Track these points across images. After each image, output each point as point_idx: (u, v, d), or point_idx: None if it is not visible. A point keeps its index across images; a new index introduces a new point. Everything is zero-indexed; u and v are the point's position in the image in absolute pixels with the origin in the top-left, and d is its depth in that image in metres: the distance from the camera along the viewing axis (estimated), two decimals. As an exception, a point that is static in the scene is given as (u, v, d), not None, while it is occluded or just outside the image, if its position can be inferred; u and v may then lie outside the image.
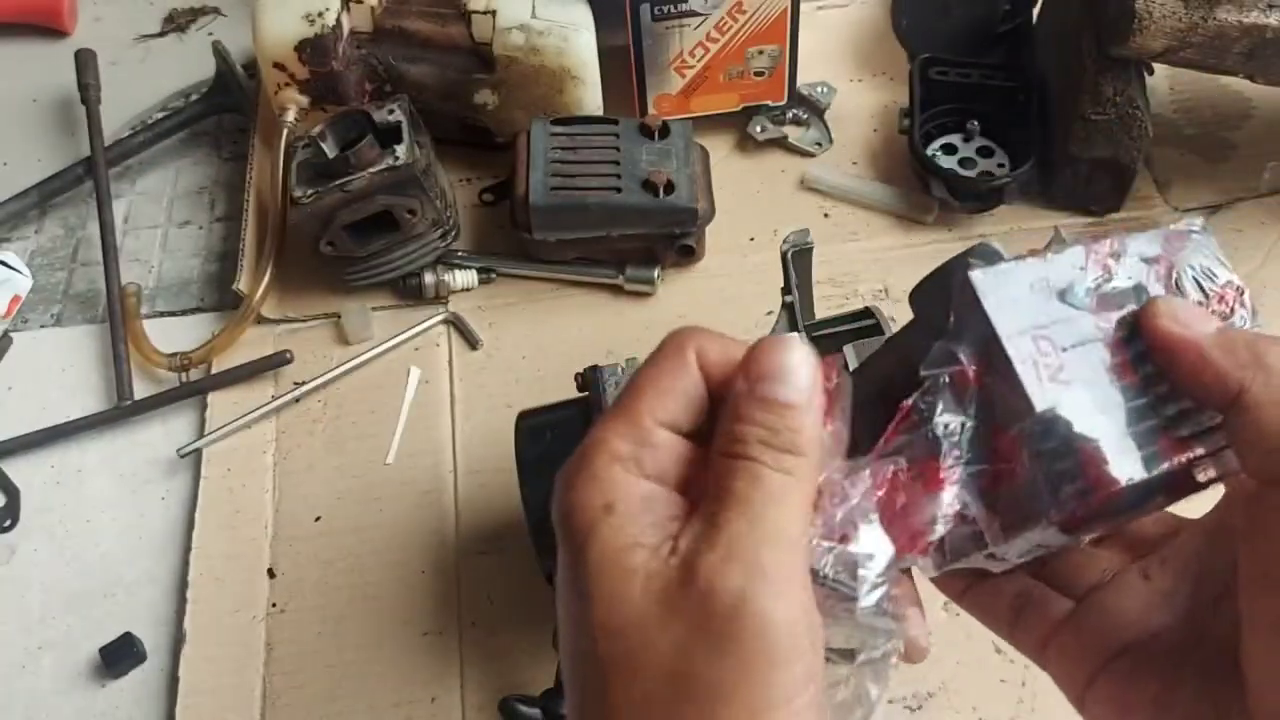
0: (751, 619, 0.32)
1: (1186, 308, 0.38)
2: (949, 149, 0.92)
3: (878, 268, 0.89)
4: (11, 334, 0.91)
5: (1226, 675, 0.38)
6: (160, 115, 1.04)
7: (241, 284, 0.88)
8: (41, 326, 0.92)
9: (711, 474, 0.36)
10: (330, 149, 0.83)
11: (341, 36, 0.88)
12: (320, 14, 0.87)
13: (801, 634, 0.33)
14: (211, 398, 0.85)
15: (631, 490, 0.36)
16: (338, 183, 0.81)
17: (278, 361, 0.85)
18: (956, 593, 0.46)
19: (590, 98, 0.91)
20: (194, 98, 1.04)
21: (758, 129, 0.96)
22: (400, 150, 0.82)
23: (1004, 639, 0.46)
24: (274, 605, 0.76)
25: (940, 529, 0.38)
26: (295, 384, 0.85)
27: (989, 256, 0.40)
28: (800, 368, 0.37)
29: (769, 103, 0.96)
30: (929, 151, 0.91)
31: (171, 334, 0.89)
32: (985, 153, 0.91)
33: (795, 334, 0.38)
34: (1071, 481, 0.36)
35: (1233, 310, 0.40)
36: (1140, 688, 0.42)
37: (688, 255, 0.88)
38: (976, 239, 0.90)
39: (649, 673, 0.33)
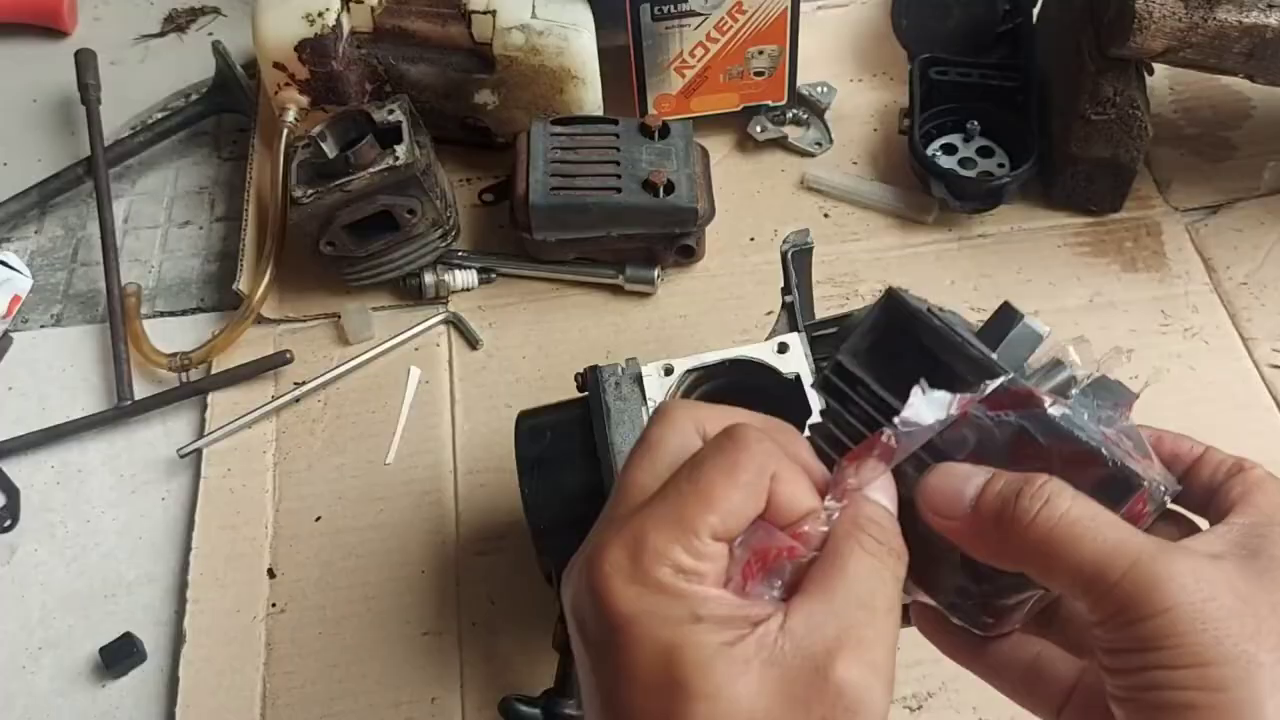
0: (870, 713, 0.34)
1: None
2: (949, 149, 0.91)
3: (878, 268, 0.89)
4: (11, 334, 0.91)
5: None
6: (160, 115, 1.04)
7: (241, 284, 0.88)
8: (41, 326, 0.92)
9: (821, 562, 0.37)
10: (330, 149, 0.83)
11: (341, 36, 0.88)
12: (320, 14, 0.87)
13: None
14: (211, 398, 0.85)
15: (711, 597, 0.35)
16: (338, 183, 0.81)
17: (278, 361, 0.85)
18: (968, 658, 0.46)
19: (590, 98, 0.91)
20: (194, 98, 1.04)
21: (758, 129, 0.96)
22: (400, 150, 0.82)
23: (1020, 704, 0.45)
24: (274, 605, 0.76)
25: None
26: (295, 384, 0.85)
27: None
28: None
29: (769, 103, 0.96)
30: (929, 151, 0.91)
31: (171, 334, 0.89)
32: (985, 153, 0.91)
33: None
34: None
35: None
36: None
37: (688, 255, 0.88)
38: (976, 239, 0.91)
39: None
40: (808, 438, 0.42)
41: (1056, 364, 0.40)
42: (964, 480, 0.38)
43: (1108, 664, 0.36)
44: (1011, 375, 0.38)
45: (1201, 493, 0.42)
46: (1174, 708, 0.34)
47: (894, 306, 0.41)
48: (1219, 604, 0.34)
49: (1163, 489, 0.39)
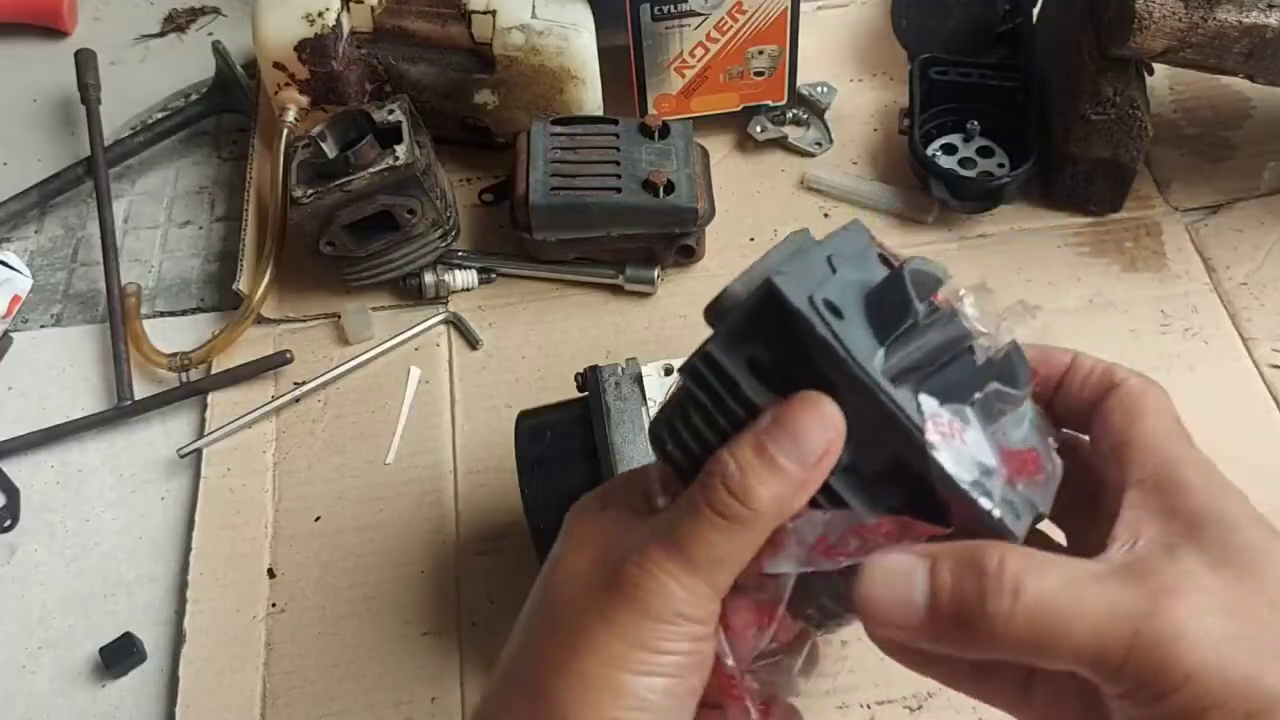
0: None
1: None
2: (949, 149, 0.92)
3: (878, 268, 0.89)
4: (11, 334, 0.91)
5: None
6: (160, 115, 1.04)
7: (241, 284, 0.88)
8: (41, 326, 0.92)
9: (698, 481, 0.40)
10: (330, 149, 0.83)
11: (341, 36, 0.88)
12: (320, 14, 0.87)
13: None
14: (211, 398, 0.85)
15: (622, 499, 0.45)
16: (338, 183, 0.81)
17: (278, 361, 0.85)
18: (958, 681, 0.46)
19: (590, 98, 0.91)
20: (194, 98, 1.04)
21: (758, 129, 0.96)
22: (400, 150, 0.82)
23: (983, 700, 0.45)
24: (274, 605, 0.76)
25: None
26: (295, 384, 0.85)
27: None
28: (812, 435, 0.38)
29: (769, 103, 0.96)
30: (929, 151, 0.91)
31: (171, 334, 0.89)
32: (985, 153, 0.91)
33: (828, 401, 0.38)
34: None
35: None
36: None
37: (688, 255, 0.88)
38: (976, 239, 0.91)
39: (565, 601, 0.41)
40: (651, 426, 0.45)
41: (951, 317, 0.39)
42: (905, 579, 0.36)
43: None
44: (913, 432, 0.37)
45: (1077, 410, 0.42)
46: None
47: (771, 301, 0.39)
48: (1231, 645, 0.33)
49: (1038, 517, 0.39)
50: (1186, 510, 0.36)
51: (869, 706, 0.68)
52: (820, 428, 0.38)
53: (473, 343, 0.87)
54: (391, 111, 0.84)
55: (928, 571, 0.36)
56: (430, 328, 0.88)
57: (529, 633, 0.42)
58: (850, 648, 0.71)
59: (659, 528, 0.39)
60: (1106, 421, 0.40)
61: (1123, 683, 0.33)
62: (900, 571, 0.37)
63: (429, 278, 0.88)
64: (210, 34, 1.12)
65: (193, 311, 0.92)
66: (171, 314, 0.92)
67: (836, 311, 0.38)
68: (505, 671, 0.42)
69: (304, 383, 0.85)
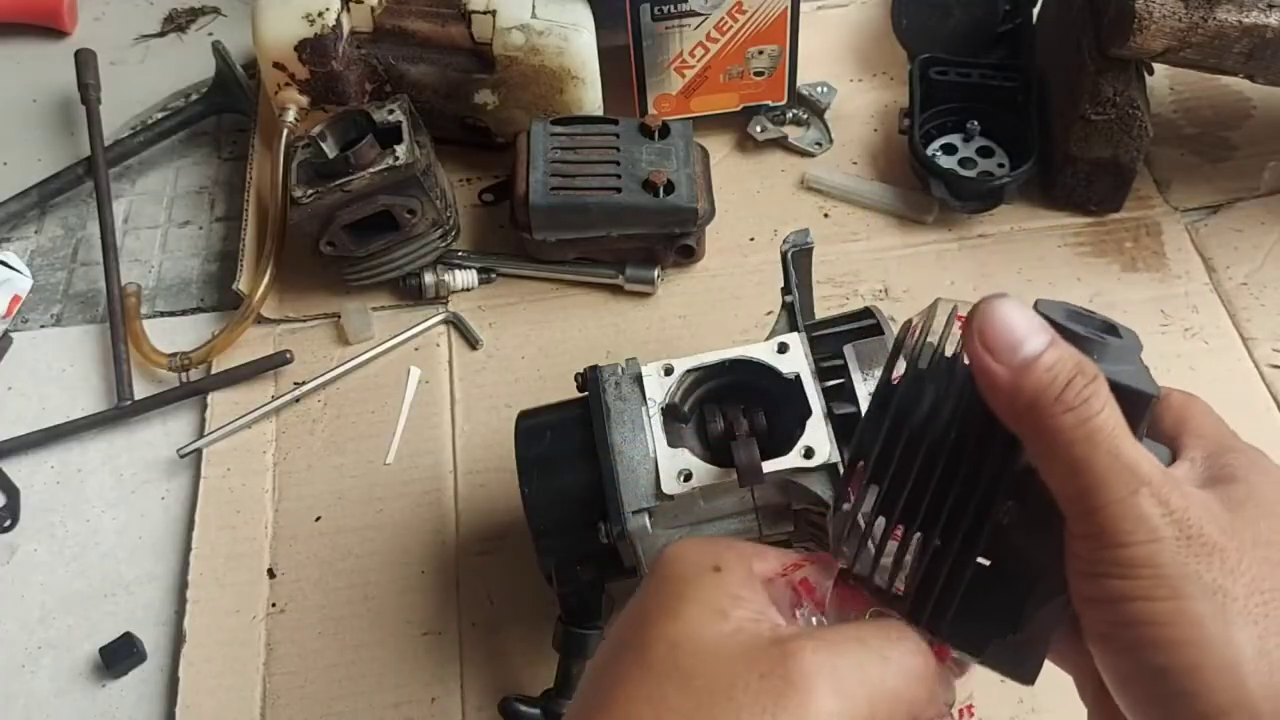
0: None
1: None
2: (949, 149, 0.91)
3: (878, 268, 0.89)
4: (11, 334, 0.91)
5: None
6: (160, 115, 1.04)
7: (241, 284, 0.88)
8: (41, 326, 0.92)
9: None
10: (330, 149, 0.83)
11: (341, 36, 0.88)
12: (320, 14, 0.87)
13: None
14: (211, 398, 0.85)
15: (740, 562, 0.41)
16: (338, 183, 0.81)
17: (278, 361, 0.85)
18: None
19: (590, 98, 0.91)
20: (194, 98, 1.04)
21: (758, 129, 0.96)
22: (400, 150, 0.82)
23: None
24: (274, 605, 0.76)
25: None
26: (295, 384, 0.85)
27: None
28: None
29: (769, 103, 0.96)
30: (929, 151, 0.91)
31: (171, 334, 0.89)
32: (985, 153, 0.91)
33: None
34: None
35: None
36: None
37: (688, 255, 0.88)
38: (976, 239, 0.91)
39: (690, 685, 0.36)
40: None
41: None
42: (1025, 336, 0.36)
43: (1086, 592, 0.36)
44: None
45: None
46: (1147, 642, 0.34)
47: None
48: (1203, 540, 0.35)
49: None
50: (1238, 479, 0.38)
51: (869, 706, 0.68)
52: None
53: (473, 343, 0.87)
54: (391, 111, 0.84)
55: (1045, 344, 0.36)
56: (430, 328, 0.88)
57: (649, 696, 0.37)
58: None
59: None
60: (1163, 426, 0.42)
61: (1098, 521, 0.35)
62: (1023, 328, 0.37)
63: (429, 278, 0.88)
64: (210, 34, 1.12)
65: (193, 311, 0.92)
66: (171, 314, 0.92)
67: None
68: None
69: (304, 383, 0.85)
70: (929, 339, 0.41)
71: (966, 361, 0.37)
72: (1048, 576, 0.38)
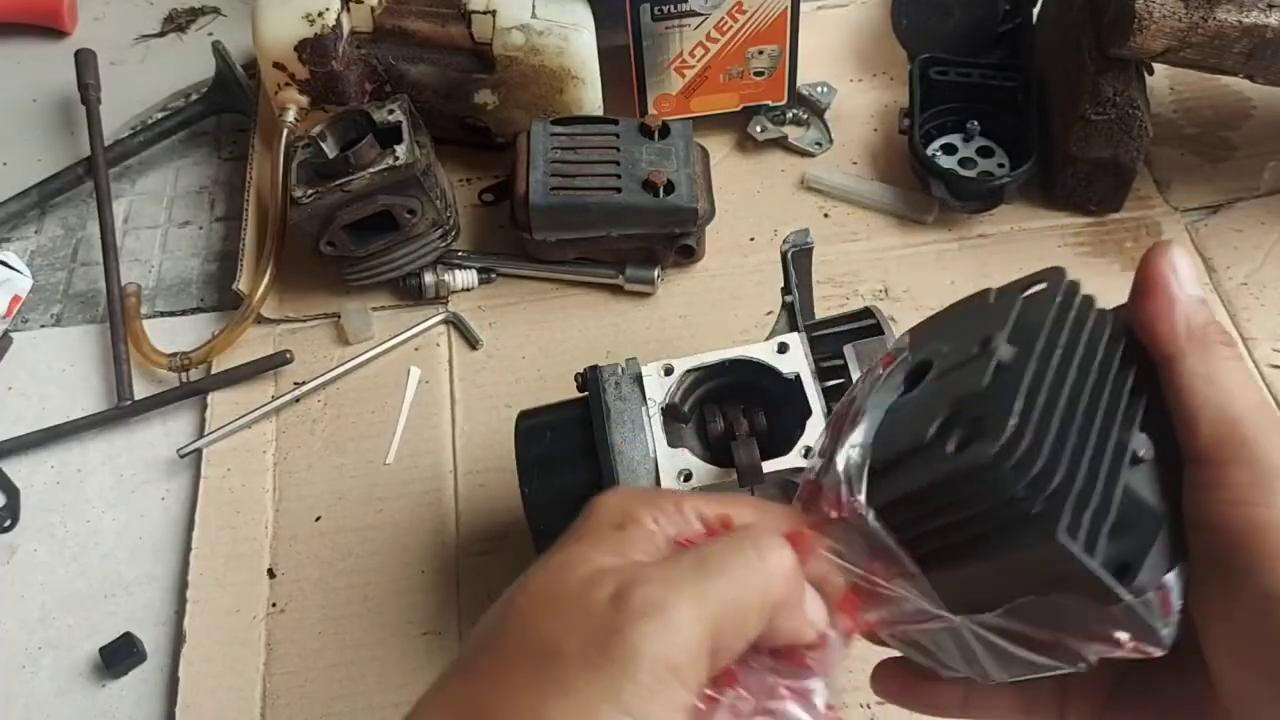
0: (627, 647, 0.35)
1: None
2: (949, 149, 0.91)
3: (878, 268, 0.89)
4: (11, 334, 0.91)
5: (1195, 668, 0.39)
6: (160, 115, 1.04)
7: (241, 284, 0.88)
8: (41, 326, 0.92)
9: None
10: (330, 149, 0.83)
11: (341, 36, 0.88)
12: (320, 14, 0.87)
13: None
14: (211, 398, 0.85)
15: (643, 526, 0.41)
16: (338, 183, 0.81)
17: (278, 361, 0.85)
18: (959, 710, 0.46)
19: (590, 98, 0.91)
20: (194, 98, 1.04)
21: (758, 129, 0.96)
22: (400, 150, 0.82)
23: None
24: (274, 605, 0.76)
25: None
26: (295, 384, 0.85)
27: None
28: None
29: (769, 103, 0.96)
30: (929, 151, 0.91)
31: (171, 334, 0.89)
32: (985, 153, 0.91)
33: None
34: None
35: None
36: (1137, 705, 0.42)
37: (688, 255, 0.88)
38: (976, 239, 0.91)
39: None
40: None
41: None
42: (1193, 279, 0.39)
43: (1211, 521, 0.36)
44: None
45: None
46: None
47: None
48: None
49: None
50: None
51: (869, 706, 0.68)
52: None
53: (473, 343, 0.87)
54: (391, 111, 0.84)
55: (1198, 298, 0.39)
56: (430, 328, 0.88)
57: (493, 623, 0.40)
58: (850, 648, 0.71)
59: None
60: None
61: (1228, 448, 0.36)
62: (1187, 277, 0.39)
63: (429, 278, 0.88)
64: (210, 34, 1.12)
65: (193, 311, 0.92)
66: (171, 314, 0.92)
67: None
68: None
69: (304, 383, 0.85)
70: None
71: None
72: (1171, 527, 0.37)
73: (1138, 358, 0.39)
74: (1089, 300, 0.40)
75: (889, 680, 0.47)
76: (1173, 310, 0.39)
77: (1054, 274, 0.40)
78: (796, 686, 0.40)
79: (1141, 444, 0.37)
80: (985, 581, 0.37)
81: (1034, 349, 0.36)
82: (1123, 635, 0.35)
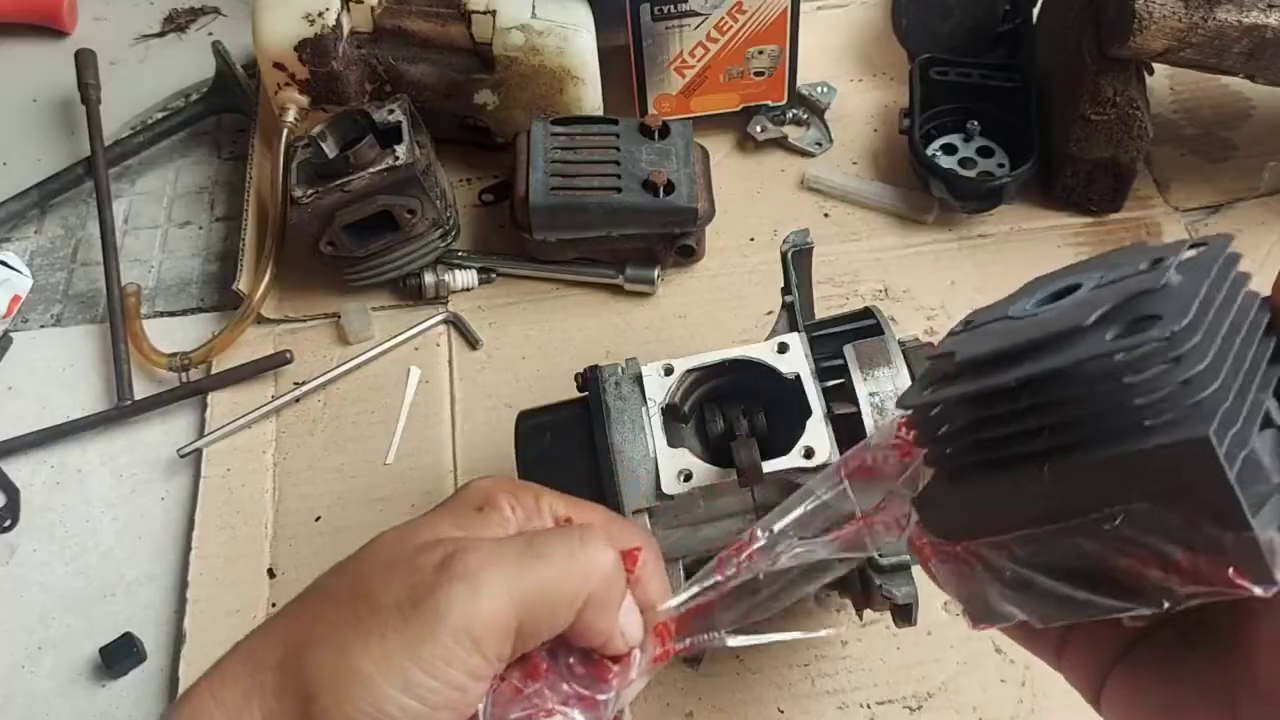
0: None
1: None
2: (949, 149, 0.92)
3: (878, 268, 0.89)
4: (11, 334, 0.91)
5: (1228, 650, 0.39)
6: (160, 115, 1.04)
7: (241, 284, 0.88)
8: (41, 326, 0.92)
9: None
10: (330, 149, 0.83)
11: (341, 36, 0.88)
12: (320, 14, 0.87)
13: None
14: (211, 398, 0.85)
15: (500, 515, 0.43)
16: (338, 183, 0.81)
17: (278, 361, 0.85)
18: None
19: (590, 98, 0.91)
20: (194, 98, 1.04)
21: (758, 129, 0.96)
22: (400, 150, 0.82)
23: (1024, 648, 0.46)
24: (274, 605, 0.76)
25: None
26: (295, 384, 0.85)
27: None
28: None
29: (769, 103, 0.96)
30: (929, 151, 0.91)
31: (171, 334, 0.89)
32: (985, 153, 0.91)
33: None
34: None
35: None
36: (1152, 675, 0.42)
37: (688, 255, 0.88)
38: (976, 239, 0.91)
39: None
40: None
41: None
42: None
43: None
44: None
45: None
46: None
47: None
48: None
49: None
50: None
51: (869, 706, 0.68)
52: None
53: (473, 343, 0.87)
54: (391, 111, 0.84)
55: None
56: (430, 328, 0.88)
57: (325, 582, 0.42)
58: (850, 648, 0.71)
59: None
60: None
61: None
62: None
63: (429, 278, 0.88)
64: (210, 34, 1.12)
65: (193, 311, 0.92)
66: (171, 314, 0.92)
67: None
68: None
69: (304, 383, 0.85)
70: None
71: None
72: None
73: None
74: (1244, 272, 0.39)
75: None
76: None
77: (1218, 239, 0.39)
78: (587, 696, 0.42)
79: (1275, 409, 0.35)
80: (1093, 484, 0.35)
81: (1202, 284, 0.35)
82: (1233, 570, 0.33)
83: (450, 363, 0.87)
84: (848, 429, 0.59)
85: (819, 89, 0.98)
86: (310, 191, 0.81)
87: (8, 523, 0.81)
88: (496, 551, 0.40)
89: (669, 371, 0.64)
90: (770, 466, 0.58)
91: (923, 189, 0.91)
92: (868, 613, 0.64)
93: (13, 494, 0.82)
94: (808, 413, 0.60)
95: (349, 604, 0.39)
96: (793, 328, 0.66)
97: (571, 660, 0.42)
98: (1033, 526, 0.37)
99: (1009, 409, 0.36)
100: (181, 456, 0.82)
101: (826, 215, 0.93)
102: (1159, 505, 0.33)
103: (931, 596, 0.44)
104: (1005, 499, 0.37)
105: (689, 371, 0.64)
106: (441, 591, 0.38)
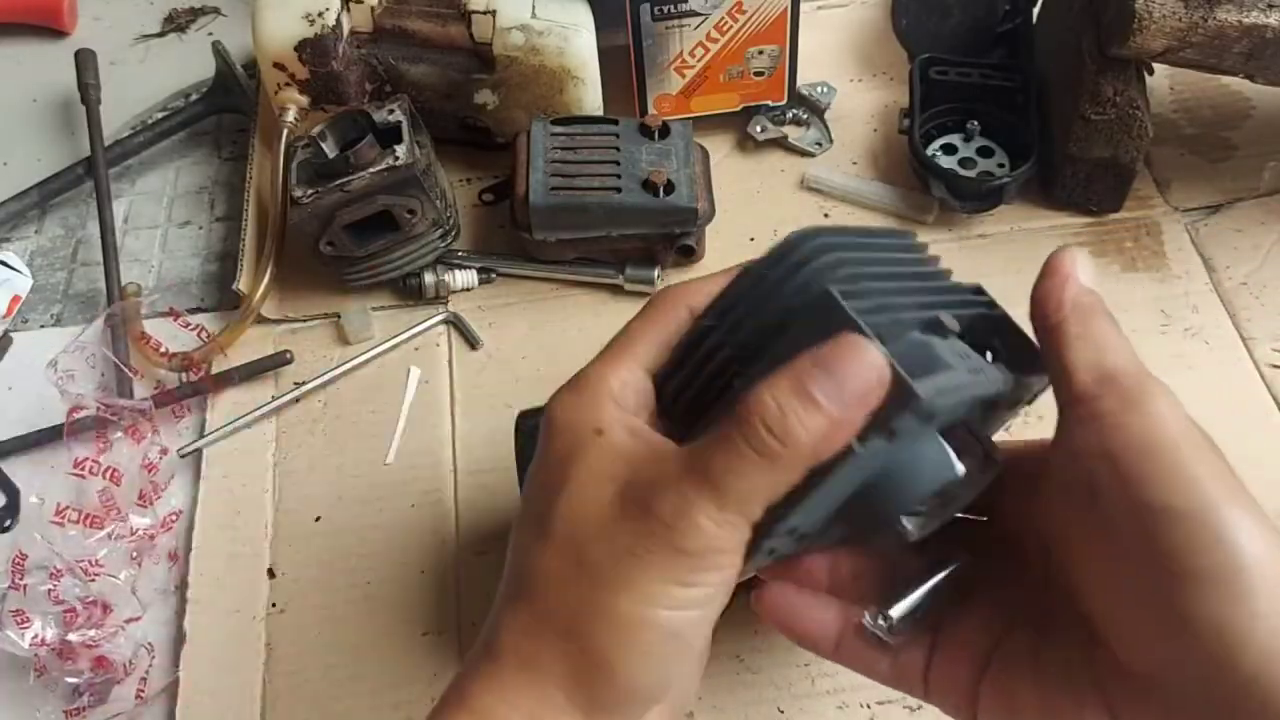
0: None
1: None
2: (949, 149, 0.92)
3: (878, 268, 0.89)
4: (11, 334, 0.91)
5: (1087, 638, 0.42)
6: (160, 115, 1.04)
7: (241, 284, 0.88)
8: (41, 326, 0.92)
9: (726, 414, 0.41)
10: (330, 149, 0.83)
11: (341, 36, 0.88)
12: (320, 14, 0.87)
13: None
14: (211, 398, 0.85)
15: (619, 421, 0.45)
16: (338, 183, 0.81)
17: (278, 361, 0.85)
18: (830, 650, 0.50)
19: (590, 98, 0.91)
20: (194, 98, 1.04)
21: (758, 129, 0.96)
22: (400, 150, 0.82)
23: (889, 686, 0.49)
24: (274, 605, 0.76)
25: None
26: (295, 384, 0.85)
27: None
28: (854, 377, 0.40)
29: (769, 103, 0.96)
30: (929, 151, 0.91)
31: (172, 334, 0.89)
32: (985, 153, 0.91)
33: (871, 345, 0.40)
34: None
35: None
36: (1018, 680, 0.43)
37: (688, 255, 0.88)
38: (976, 239, 0.91)
39: (581, 556, 0.42)
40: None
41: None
42: (1081, 274, 0.46)
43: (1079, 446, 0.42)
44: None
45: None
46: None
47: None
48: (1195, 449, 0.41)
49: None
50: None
51: (869, 706, 0.68)
52: (863, 370, 0.39)
53: (473, 343, 0.87)
54: (391, 111, 0.84)
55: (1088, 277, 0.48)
56: (430, 328, 0.88)
57: (553, 571, 0.42)
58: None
59: (690, 463, 0.40)
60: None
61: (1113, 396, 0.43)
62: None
63: (429, 278, 0.88)
64: (210, 34, 1.12)
65: (193, 311, 0.92)
66: (171, 314, 0.92)
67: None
68: (539, 612, 0.43)
69: (304, 383, 0.85)
70: None
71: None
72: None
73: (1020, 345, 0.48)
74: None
75: (773, 600, 0.51)
76: (1064, 289, 0.44)
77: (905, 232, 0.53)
78: None
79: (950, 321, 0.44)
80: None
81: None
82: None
83: (450, 363, 0.87)
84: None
85: (819, 89, 0.98)
86: (310, 191, 0.81)
87: (8, 523, 0.81)
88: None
89: (669, 371, 0.64)
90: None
91: (923, 189, 0.91)
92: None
93: (13, 494, 0.82)
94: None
95: (576, 577, 0.41)
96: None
97: None
98: None
99: (709, 348, 0.45)
100: (181, 456, 0.82)
101: (826, 215, 0.93)
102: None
103: (931, 597, 0.44)
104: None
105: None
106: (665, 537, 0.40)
